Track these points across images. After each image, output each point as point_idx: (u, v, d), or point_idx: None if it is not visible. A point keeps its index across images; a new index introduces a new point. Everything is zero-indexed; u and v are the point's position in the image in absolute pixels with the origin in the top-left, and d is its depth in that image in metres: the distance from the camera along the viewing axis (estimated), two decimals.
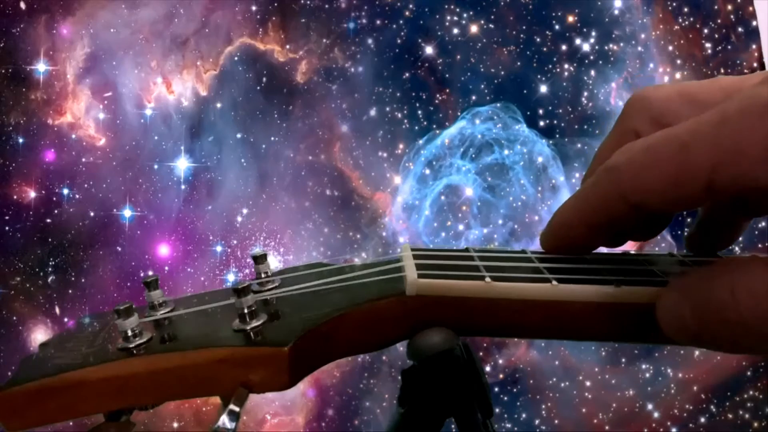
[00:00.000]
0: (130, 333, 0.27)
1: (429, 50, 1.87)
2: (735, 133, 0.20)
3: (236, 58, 1.86)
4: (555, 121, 1.85)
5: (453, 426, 0.29)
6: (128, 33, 1.81)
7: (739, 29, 1.84)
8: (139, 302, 0.31)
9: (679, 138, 0.22)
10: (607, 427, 1.84)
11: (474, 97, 1.86)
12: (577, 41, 1.85)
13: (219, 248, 1.82)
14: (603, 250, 0.31)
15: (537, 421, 1.86)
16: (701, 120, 0.22)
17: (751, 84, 0.21)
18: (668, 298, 0.24)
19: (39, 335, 1.74)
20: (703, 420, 1.83)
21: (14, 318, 1.75)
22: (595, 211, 0.26)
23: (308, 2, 1.85)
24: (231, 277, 1.82)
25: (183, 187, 1.82)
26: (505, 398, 1.86)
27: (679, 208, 0.23)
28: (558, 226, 0.29)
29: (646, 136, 0.27)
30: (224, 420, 0.24)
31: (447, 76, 1.87)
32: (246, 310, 0.27)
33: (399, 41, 1.86)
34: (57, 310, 1.77)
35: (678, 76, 1.87)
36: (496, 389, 1.85)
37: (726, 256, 0.31)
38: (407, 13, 1.85)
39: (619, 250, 0.32)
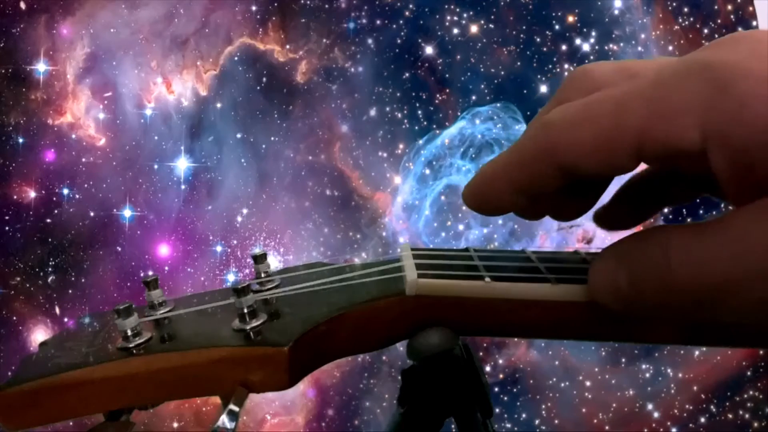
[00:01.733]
0: (129, 333, 0.27)
1: (429, 50, 1.87)
2: (667, 95, 0.20)
3: (236, 58, 1.86)
4: None
5: (453, 426, 0.29)
6: (128, 33, 1.81)
7: (739, 29, 1.84)
8: (139, 302, 0.31)
9: (615, 97, 0.22)
10: (607, 427, 1.84)
11: (474, 97, 1.86)
12: (577, 41, 1.85)
13: (219, 248, 1.83)
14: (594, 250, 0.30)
15: (537, 421, 1.86)
16: (638, 81, 0.22)
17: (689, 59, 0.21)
18: (602, 263, 0.24)
19: (39, 335, 1.74)
20: (703, 420, 1.83)
21: (14, 318, 1.75)
22: (521, 166, 0.25)
23: (308, 2, 1.85)
24: (231, 277, 1.82)
25: (183, 187, 1.82)
26: (505, 398, 1.86)
27: (607, 171, 0.23)
28: (482, 179, 0.27)
29: None
30: (224, 420, 0.24)
31: (447, 76, 1.88)
32: (246, 310, 0.27)
33: (399, 41, 1.86)
34: (57, 310, 1.77)
35: None
36: (496, 389, 1.85)
37: None
38: (407, 13, 1.86)
39: None
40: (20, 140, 1.76)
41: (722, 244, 0.19)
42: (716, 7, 1.85)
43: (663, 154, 0.21)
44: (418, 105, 1.88)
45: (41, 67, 1.77)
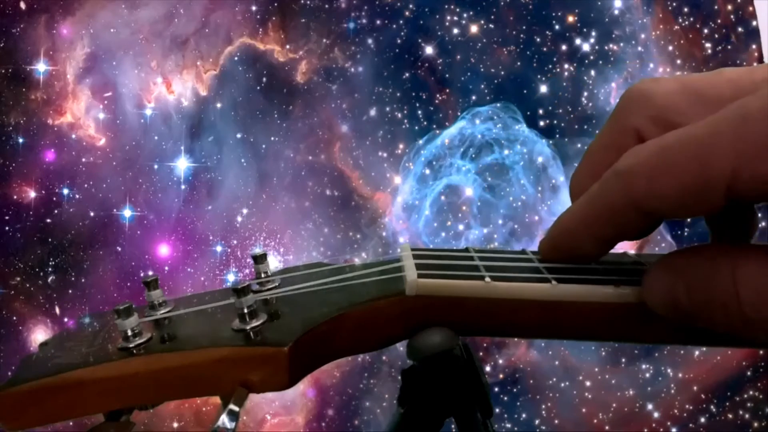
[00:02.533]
0: (129, 333, 0.27)
1: (429, 50, 1.87)
2: (758, 133, 0.19)
3: (236, 58, 1.86)
4: (555, 121, 1.85)
5: (453, 426, 0.29)
6: (128, 33, 1.81)
7: (739, 29, 1.84)
8: (139, 302, 0.31)
9: (697, 139, 0.20)
10: (607, 427, 1.84)
11: (474, 97, 1.86)
12: (577, 41, 1.85)
13: (219, 248, 1.83)
14: None
15: (537, 421, 1.86)
16: (719, 118, 0.20)
17: (764, 77, 0.20)
18: (659, 272, 0.23)
19: (39, 335, 1.74)
20: (703, 420, 1.83)
21: (14, 318, 1.75)
22: (602, 219, 0.24)
23: (308, 2, 1.85)
24: (231, 277, 1.82)
25: (183, 187, 1.82)
26: (505, 398, 1.86)
27: (695, 214, 0.22)
28: (560, 236, 0.27)
29: (649, 135, 0.26)
30: (224, 420, 0.25)
31: (447, 76, 1.88)
32: (246, 310, 0.27)
33: (399, 41, 1.86)
34: (57, 310, 1.77)
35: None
36: (496, 389, 1.85)
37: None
38: (407, 13, 1.86)
39: (618, 250, 0.32)
40: (20, 140, 1.76)
41: None
42: (716, 7, 1.85)
43: (755, 194, 0.20)
44: (418, 105, 1.88)
45: (41, 67, 1.77)
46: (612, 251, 0.31)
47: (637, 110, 0.26)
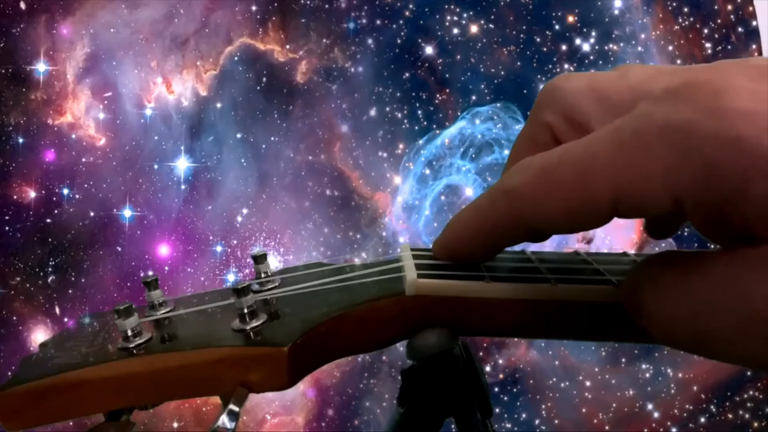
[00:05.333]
0: (130, 333, 0.27)
1: (429, 50, 1.87)
2: (632, 160, 0.19)
3: (236, 58, 1.86)
4: None
5: (453, 426, 0.29)
6: (128, 33, 1.81)
7: (739, 29, 1.84)
8: (138, 302, 0.31)
9: (577, 162, 0.21)
10: (607, 427, 1.84)
11: (474, 97, 1.86)
12: (577, 41, 1.85)
13: (219, 248, 1.83)
14: (603, 249, 0.30)
15: (537, 421, 1.86)
16: (597, 140, 0.20)
17: (652, 95, 0.20)
18: (660, 300, 0.22)
19: (39, 335, 1.74)
20: (703, 420, 1.83)
21: (14, 318, 1.75)
22: (491, 233, 0.25)
23: (308, 2, 1.85)
24: (231, 277, 1.82)
25: (183, 187, 1.83)
26: (505, 398, 1.86)
27: (584, 230, 0.22)
28: (452, 241, 0.28)
29: (559, 131, 0.27)
30: (224, 420, 0.25)
31: (447, 76, 1.88)
32: (246, 310, 0.27)
33: (399, 41, 1.86)
34: (57, 310, 1.77)
35: None
36: (496, 389, 1.85)
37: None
38: (407, 13, 1.86)
39: (618, 250, 0.32)
40: (20, 140, 1.76)
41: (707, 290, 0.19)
42: (716, 7, 1.85)
43: (637, 215, 0.20)
44: (418, 105, 1.88)
45: (41, 67, 1.77)
46: (611, 251, 0.31)
47: (549, 106, 0.27)
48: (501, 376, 1.86)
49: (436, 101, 1.88)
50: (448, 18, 1.85)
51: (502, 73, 1.85)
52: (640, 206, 0.20)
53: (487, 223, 0.25)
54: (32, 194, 1.76)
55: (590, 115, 0.26)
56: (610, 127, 0.20)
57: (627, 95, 0.25)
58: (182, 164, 1.82)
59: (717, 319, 0.18)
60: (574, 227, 0.22)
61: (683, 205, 0.19)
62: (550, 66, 1.85)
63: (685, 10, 1.87)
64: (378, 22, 1.85)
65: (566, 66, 1.85)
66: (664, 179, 0.19)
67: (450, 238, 0.28)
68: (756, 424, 1.82)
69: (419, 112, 1.88)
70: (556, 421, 1.86)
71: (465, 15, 1.85)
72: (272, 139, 1.85)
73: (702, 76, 0.19)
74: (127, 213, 1.78)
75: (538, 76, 1.85)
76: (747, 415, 1.83)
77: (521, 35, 1.85)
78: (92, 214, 1.77)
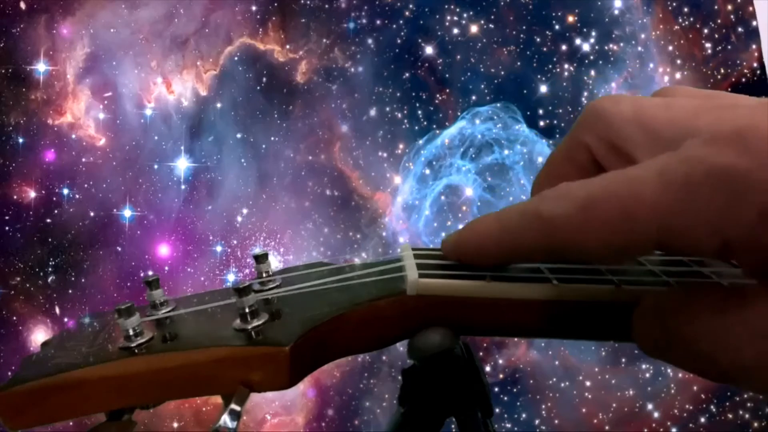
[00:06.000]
0: (131, 332, 0.27)
1: (429, 50, 1.87)
2: (681, 203, 0.19)
3: (236, 58, 1.86)
4: (555, 121, 1.85)
5: (453, 426, 0.29)
6: (128, 33, 1.81)
7: (739, 29, 1.84)
8: (139, 302, 0.31)
9: (622, 199, 0.20)
10: (607, 427, 1.84)
11: (474, 97, 1.86)
12: (577, 41, 1.85)
13: (219, 248, 1.83)
14: None
15: (537, 421, 1.86)
16: (644, 178, 0.20)
17: (700, 135, 0.20)
18: (647, 322, 0.23)
19: (39, 335, 1.74)
20: (703, 420, 1.83)
21: (14, 318, 1.75)
22: (516, 250, 0.25)
23: (308, 2, 1.85)
24: (231, 277, 1.82)
25: (183, 187, 1.83)
26: (505, 398, 1.86)
27: (620, 264, 0.23)
28: (469, 245, 0.27)
29: (599, 154, 0.27)
30: (225, 419, 0.25)
31: (447, 76, 1.88)
32: (247, 310, 0.27)
33: (399, 41, 1.86)
34: (57, 310, 1.77)
35: (678, 76, 1.87)
36: (496, 389, 1.85)
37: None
38: (407, 13, 1.86)
39: None
40: (20, 140, 1.76)
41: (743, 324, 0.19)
42: (716, 7, 1.85)
43: (680, 254, 0.21)
44: (418, 105, 1.88)
45: (41, 67, 1.77)
46: None
47: (591, 128, 0.27)
48: (501, 376, 1.86)
49: (436, 101, 1.88)
50: (448, 18, 1.85)
51: (502, 73, 1.85)
52: (685, 247, 0.20)
53: (515, 242, 0.25)
54: (32, 194, 1.76)
55: (634, 145, 0.25)
56: (656, 166, 0.20)
57: (673, 130, 0.24)
58: (182, 164, 1.82)
59: (763, 354, 0.19)
60: (612, 261, 0.22)
61: (731, 248, 0.19)
62: (550, 66, 1.85)
63: (685, 10, 1.87)
64: (378, 22, 1.85)
65: (566, 66, 1.85)
66: (714, 224, 0.19)
67: (468, 242, 0.27)
68: (756, 424, 1.82)
69: (419, 112, 1.88)
70: (556, 421, 1.86)
71: (465, 15, 1.85)
72: (272, 139, 1.85)
73: (752, 121, 0.19)
74: (127, 213, 1.78)
75: (538, 76, 1.85)
76: (747, 415, 1.83)
77: (521, 35, 1.85)
78: (92, 214, 1.77)
